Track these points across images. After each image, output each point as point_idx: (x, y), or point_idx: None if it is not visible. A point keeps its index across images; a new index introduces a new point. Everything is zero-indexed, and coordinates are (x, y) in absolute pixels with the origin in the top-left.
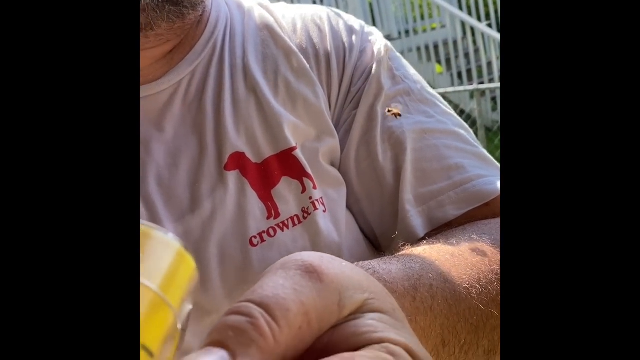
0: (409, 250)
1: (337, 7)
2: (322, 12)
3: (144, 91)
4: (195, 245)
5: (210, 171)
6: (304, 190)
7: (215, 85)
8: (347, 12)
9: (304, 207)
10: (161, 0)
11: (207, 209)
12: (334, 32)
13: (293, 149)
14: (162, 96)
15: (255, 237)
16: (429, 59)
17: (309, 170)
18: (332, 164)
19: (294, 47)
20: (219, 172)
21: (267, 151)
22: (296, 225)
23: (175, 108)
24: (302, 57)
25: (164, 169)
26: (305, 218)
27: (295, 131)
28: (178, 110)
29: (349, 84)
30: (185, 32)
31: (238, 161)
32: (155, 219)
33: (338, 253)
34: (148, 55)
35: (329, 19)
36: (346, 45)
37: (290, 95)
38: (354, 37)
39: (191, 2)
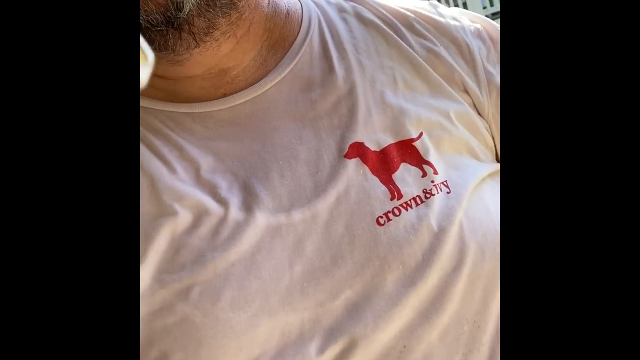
0: None
1: None
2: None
3: (247, 94)
4: (324, 227)
5: (330, 160)
6: (424, 175)
7: (323, 81)
8: None
9: (425, 189)
10: None
11: (331, 194)
12: (437, 16)
13: (413, 140)
14: (267, 96)
15: (381, 217)
16: None
17: (429, 157)
18: (471, 133)
19: (409, 41)
20: (339, 161)
21: (387, 140)
22: (419, 204)
23: (283, 105)
24: (418, 47)
25: (285, 163)
26: (427, 198)
27: (417, 122)
28: (287, 107)
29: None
30: (246, 19)
31: (358, 150)
32: (282, 208)
33: (460, 230)
34: (234, 57)
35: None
36: (451, 24)
37: (410, 87)
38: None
39: None
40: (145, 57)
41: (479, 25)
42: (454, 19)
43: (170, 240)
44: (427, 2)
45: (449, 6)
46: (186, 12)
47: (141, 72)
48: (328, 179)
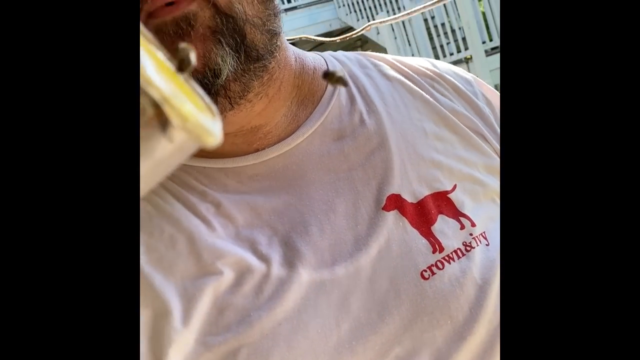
0: None
1: (448, 17)
2: (436, 62)
3: (280, 148)
4: (368, 282)
5: (368, 213)
6: (462, 227)
7: (354, 133)
8: (459, 23)
9: (465, 242)
10: (244, 62)
11: (373, 248)
12: (456, 76)
13: (448, 192)
14: (299, 149)
15: (425, 270)
16: None
17: (465, 209)
18: None
19: (434, 95)
20: (378, 213)
21: (422, 192)
22: (461, 257)
23: (316, 157)
24: (447, 102)
25: (323, 216)
26: (468, 251)
27: (450, 174)
28: (320, 159)
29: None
30: (277, 79)
31: (396, 202)
32: (324, 263)
33: None
34: (265, 115)
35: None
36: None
37: (439, 138)
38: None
39: (268, 50)
40: (212, 112)
41: (487, 94)
42: (468, 82)
43: (213, 300)
44: (445, 63)
45: (448, 40)
46: (223, 79)
47: (213, 127)
48: (368, 232)
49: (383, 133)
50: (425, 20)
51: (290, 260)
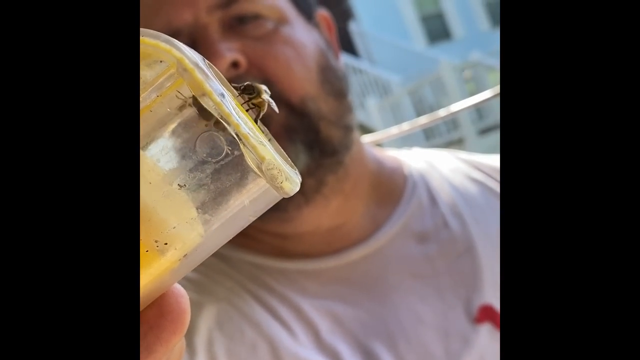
0: None
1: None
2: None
3: (360, 251)
4: None
5: (459, 325)
6: None
7: (438, 236)
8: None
9: None
10: (319, 157)
11: None
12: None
13: None
14: (381, 252)
15: None
16: None
17: None
18: None
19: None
20: (470, 326)
21: None
22: None
23: (398, 261)
24: None
25: (409, 326)
26: None
27: None
28: (403, 263)
29: None
30: (352, 175)
31: (488, 313)
32: None
33: None
34: (343, 213)
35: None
36: None
37: None
38: None
39: (343, 145)
40: (290, 160)
41: None
42: None
43: None
44: None
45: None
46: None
47: (292, 174)
48: (461, 347)
49: (469, 237)
50: (414, 102)
51: None
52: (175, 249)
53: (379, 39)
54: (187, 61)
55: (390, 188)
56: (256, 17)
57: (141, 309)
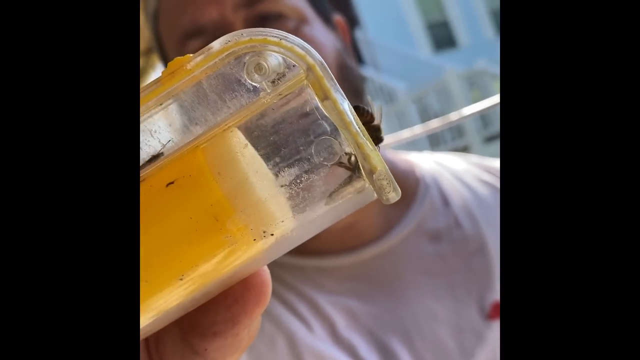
0: None
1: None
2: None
3: (375, 249)
4: None
5: (473, 321)
6: None
7: (451, 235)
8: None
9: None
10: None
11: (479, 359)
12: None
13: None
14: (395, 250)
15: None
16: None
17: None
18: None
19: None
20: (483, 322)
21: None
22: None
23: (412, 258)
24: None
25: (424, 322)
26: None
27: None
28: (416, 261)
29: None
30: None
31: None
32: None
33: None
34: (357, 212)
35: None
36: None
37: None
38: None
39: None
40: (398, 192)
41: None
42: None
43: None
44: None
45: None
46: None
47: (396, 184)
48: (474, 343)
49: (481, 236)
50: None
51: None
52: (276, 238)
53: (384, 47)
54: (317, 68)
55: (403, 189)
56: (279, 17)
57: None
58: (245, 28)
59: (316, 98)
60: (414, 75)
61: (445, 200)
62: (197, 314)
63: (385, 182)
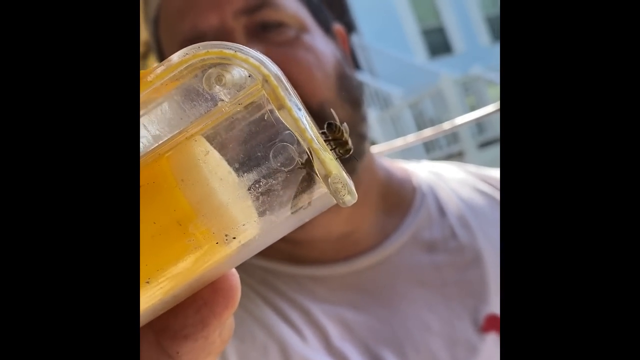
0: None
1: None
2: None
3: (370, 259)
4: None
5: (466, 333)
6: None
7: (446, 246)
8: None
9: None
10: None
11: None
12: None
13: None
14: (390, 260)
15: None
16: None
17: None
18: None
19: None
20: (476, 335)
21: None
22: None
23: (407, 269)
24: None
25: (418, 334)
26: None
27: None
28: (411, 271)
29: None
30: (362, 182)
31: (494, 323)
32: None
33: None
34: (353, 221)
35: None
36: None
37: None
38: None
39: (357, 153)
40: (353, 195)
41: None
42: None
43: None
44: None
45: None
46: None
47: (352, 186)
48: (467, 355)
49: (477, 247)
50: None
51: None
52: (240, 242)
53: (380, 52)
54: (272, 78)
55: (399, 198)
56: (279, 25)
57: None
58: (245, 35)
59: (273, 106)
60: (409, 81)
61: (441, 210)
62: (168, 317)
63: (339, 186)
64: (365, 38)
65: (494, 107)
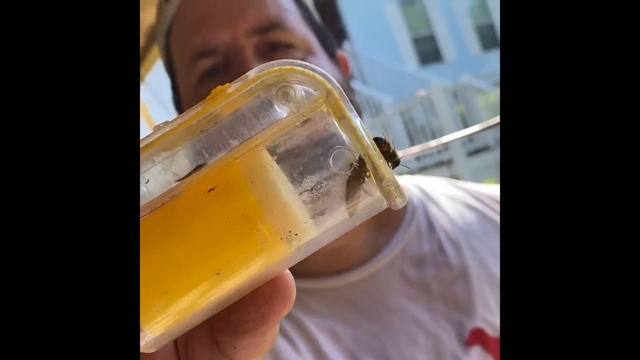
0: None
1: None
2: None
3: (361, 273)
4: None
5: (451, 347)
6: None
7: (435, 260)
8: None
9: None
10: None
11: None
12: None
13: None
14: (380, 275)
15: None
16: None
17: None
18: None
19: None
20: (461, 348)
21: None
22: None
23: (396, 284)
24: None
25: (405, 348)
26: None
27: None
28: (400, 286)
29: None
30: None
31: (479, 337)
32: None
33: None
34: (345, 236)
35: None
36: None
37: None
38: None
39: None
40: (404, 198)
41: None
42: None
43: None
44: None
45: (427, 140)
46: None
47: (403, 190)
48: None
49: (464, 263)
50: (405, 122)
51: None
52: (300, 240)
53: (371, 60)
54: (335, 92)
55: (390, 215)
56: (288, 46)
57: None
58: (255, 53)
59: (334, 117)
60: (400, 89)
61: (430, 225)
62: (228, 312)
63: (392, 188)
64: (357, 46)
65: (485, 123)
